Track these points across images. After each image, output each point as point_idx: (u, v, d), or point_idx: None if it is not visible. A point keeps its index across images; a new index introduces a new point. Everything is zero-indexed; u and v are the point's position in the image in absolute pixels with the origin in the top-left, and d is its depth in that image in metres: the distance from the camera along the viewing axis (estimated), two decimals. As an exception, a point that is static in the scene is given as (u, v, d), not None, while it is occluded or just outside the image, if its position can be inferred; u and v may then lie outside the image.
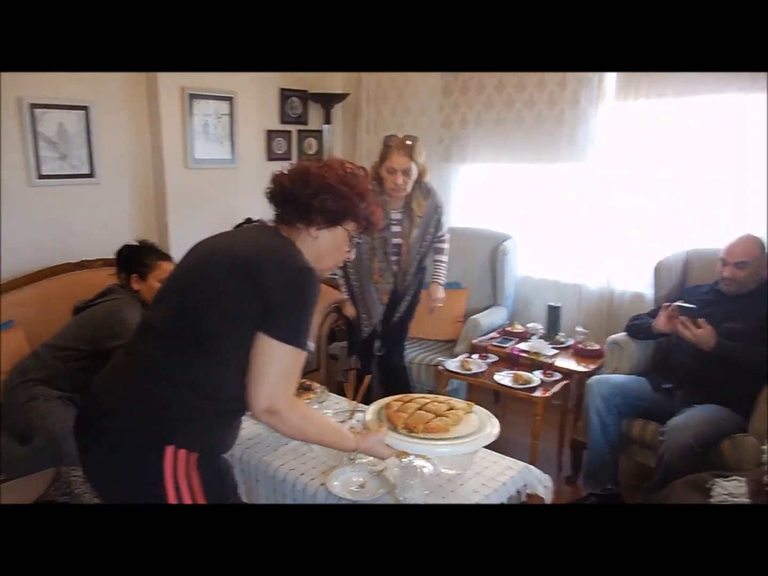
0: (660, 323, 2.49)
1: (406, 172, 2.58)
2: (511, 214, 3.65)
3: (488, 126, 3.60)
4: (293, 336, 1.27)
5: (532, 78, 3.37)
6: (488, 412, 1.70)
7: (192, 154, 3.33)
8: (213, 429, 1.31)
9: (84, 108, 2.99)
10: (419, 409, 1.62)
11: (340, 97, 4.01)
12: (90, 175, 3.08)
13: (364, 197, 1.41)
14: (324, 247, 1.41)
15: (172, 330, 1.30)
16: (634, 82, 3.02)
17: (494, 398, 3.41)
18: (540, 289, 3.59)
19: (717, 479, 1.70)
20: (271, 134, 3.92)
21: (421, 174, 2.67)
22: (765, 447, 1.55)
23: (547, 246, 3.57)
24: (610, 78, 3.13)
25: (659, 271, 2.84)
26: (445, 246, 2.93)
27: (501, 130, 3.55)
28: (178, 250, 3.02)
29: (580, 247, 3.39)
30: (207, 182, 3.43)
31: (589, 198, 3.30)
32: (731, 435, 2.19)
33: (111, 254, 2.52)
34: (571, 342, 3.03)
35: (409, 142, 2.58)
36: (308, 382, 2.03)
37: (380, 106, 4.06)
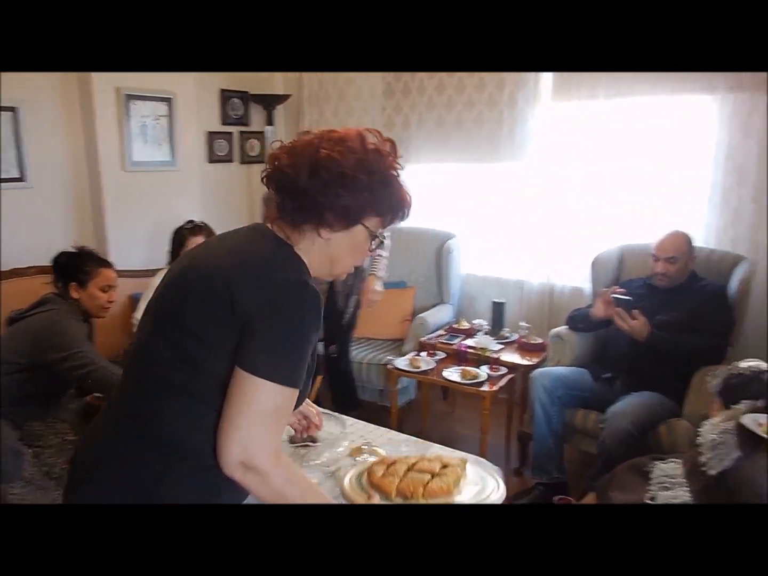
0: (598, 309, 2.58)
1: None
2: (453, 213, 3.72)
3: (430, 127, 3.65)
4: (276, 369, 0.98)
5: (471, 79, 3.45)
6: (485, 461, 1.53)
7: (129, 156, 3.24)
8: (198, 489, 1.06)
9: (12, 109, 2.86)
10: (409, 470, 1.38)
11: (282, 98, 3.98)
12: (20, 179, 2.95)
13: (389, 182, 1.11)
14: (338, 250, 1.11)
15: (139, 374, 1.07)
16: (568, 84, 3.14)
17: (443, 395, 3.47)
18: (483, 286, 3.67)
19: (655, 462, 1.78)
20: (212, 136, 3.86)
21: None
22: (700, 430, 1.64)
23: (489, 243, 3.66)
24: (546, 80, 3.24)
25: (596, 266, 2.95)
26: (386, 241, 2.93)
27: (442, 130, 3.61)
28: (117, 256, 2.99)
29: (521, 243, 3.49)
30: (146, 185, 3.35)
31: (528, 196, 3.40)
32: (666, 420, 2.31)
33: (45, 261, 2.42)
34: (515, 337, 3.11)
35: None
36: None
37: (322, 107, 4.05)
